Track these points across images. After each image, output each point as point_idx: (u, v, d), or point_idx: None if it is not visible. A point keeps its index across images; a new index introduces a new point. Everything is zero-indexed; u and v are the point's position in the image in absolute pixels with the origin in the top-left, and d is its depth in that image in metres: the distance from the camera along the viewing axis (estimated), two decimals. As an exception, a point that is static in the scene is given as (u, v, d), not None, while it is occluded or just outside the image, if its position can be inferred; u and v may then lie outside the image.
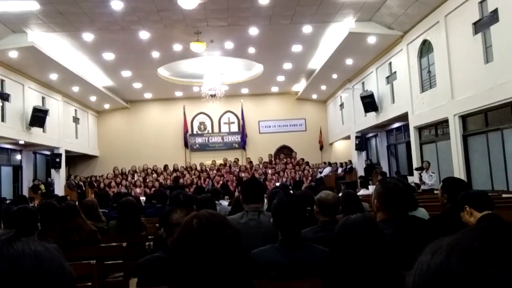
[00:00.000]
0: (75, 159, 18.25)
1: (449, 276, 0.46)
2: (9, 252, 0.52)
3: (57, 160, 14.75)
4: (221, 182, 15.15)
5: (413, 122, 11.65)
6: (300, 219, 2.16)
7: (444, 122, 10.23)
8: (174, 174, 16.30)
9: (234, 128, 19.50)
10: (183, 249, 1.08)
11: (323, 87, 17.27)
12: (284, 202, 2.19)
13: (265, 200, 3.66)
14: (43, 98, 14.05)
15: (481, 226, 0.51)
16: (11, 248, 0.53)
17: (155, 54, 13.04)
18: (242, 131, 19.06)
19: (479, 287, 0.43)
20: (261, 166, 16.65)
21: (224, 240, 1.07)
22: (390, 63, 12.95)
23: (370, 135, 16.79)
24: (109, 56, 12.84)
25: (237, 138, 19.24)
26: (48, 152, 15.69)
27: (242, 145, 19.03)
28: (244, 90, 18.37)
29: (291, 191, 6.46)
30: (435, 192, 8.67)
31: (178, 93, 18.38)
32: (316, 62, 14.43)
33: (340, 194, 3.96)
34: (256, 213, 2.84)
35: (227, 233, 1.09)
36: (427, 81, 10.92)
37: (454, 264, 0.46)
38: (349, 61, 13.77)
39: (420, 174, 10.28)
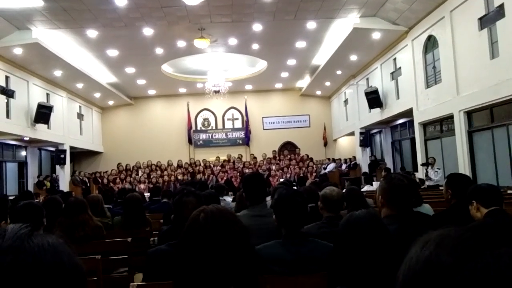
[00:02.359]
0: (80, 155, 18.35)
1: (437, 267, 0.46)
2: (30, 245, 0.53)
3: (62, 156, 14.83)
4: (225, 178, 15.17)
5: (418, 118, 11.60)
6: (302, 212, 2.15)
7: (449, 118, 10.18)
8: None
9: (238, 124, 19.50)
10: (190, 243, 1.08)
11: (327, 83, 17.21)
12: (284, 196, 2.20)
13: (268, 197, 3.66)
14: (47, 94, 14.11)
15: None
16: (32, 241, 0.54)
17: (159, 51, 13.04)
18: (246, 127, 19.07)
19: (467, 277, 0.43)
20: (265, 162, 16.65)
21: (230, 235, 1.07)
22: (394, 59, 12.88)
23: (375, 131, 16.73)
24: (113, 52, 12.86)
25: (241, 134, 19.25)
26: (53, 148, 15.78)
27: (246, 141, 19.04)
28: (248, 87, 18.35)
29: (295, 187, 6.47)
30: (441, 188, 8.65)
31: (182, 90, 18.39)
32: (320, 58, 14.38)
33: (344, 190, 3.96)
34: (259, 210, 2.84)
35: (233, 229, 1.09)
36: (432, 77, 10.86)
37: (442, 255, 0.47)
38: (353, 57, 13.71)
39: (426, 170, 10.25)
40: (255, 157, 17.26)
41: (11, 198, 7.35)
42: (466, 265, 0.44)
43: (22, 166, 14.64)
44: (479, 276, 0.42)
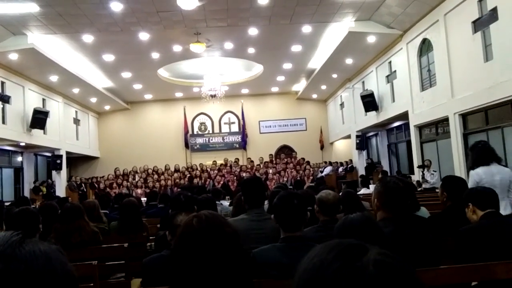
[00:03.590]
0: (76, 161, 18.27)
1: (324, 273, 0.55)
2: (21, 253, 0.53)
3: (58, 161, 14.76)
4: (221, 182, 15.15)
5: (414, 121, 11.65)
6: (301, 211, 2.15)
7: (445, 121, 10.23)
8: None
9: (235, 128, 19.51)
10: (184, 248, 1.09)
11: (323, 87, 17.27)
12: (284, 196, 2.20)
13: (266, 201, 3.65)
14: (43, 99, 14.06)
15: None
16: (23, 249, 0.54)
17: (155, 55, 13.05)
18: (243, 131, 19.07)
19: (352, 275, 0.52)
20: (262, 166, 16.65)
21: (223, 239, 1.09)
22: (390, 62, 12.95)
23: (371, 134, 16.78)
24: (109, 57, 12.85)
25: (238, 138, 19.25)
26: (49, 154, 15.71)
27: (243, 145, 19.03)
28: (244, 90, 18.37)
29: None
30: (437, 190, 8.67)
31: (178, 94, 18.39)
32: (316, 62, 14.43)
33: (340, 194, 3.97)
34: (257, 214, 2.84)
35: (226, 232, 1.10)
36: (427, 80, 10.92)
37: (330, 259, 0.56)
38: (349, 61, 13.77)
39: (422, 172, 10.28)
40: (252, 161, 17.26)
41: (7, 204, 7.31)
42: (351, 264, 0.54)
43: (18, 171, 14.56)
44: (355, 278, 0.52)
